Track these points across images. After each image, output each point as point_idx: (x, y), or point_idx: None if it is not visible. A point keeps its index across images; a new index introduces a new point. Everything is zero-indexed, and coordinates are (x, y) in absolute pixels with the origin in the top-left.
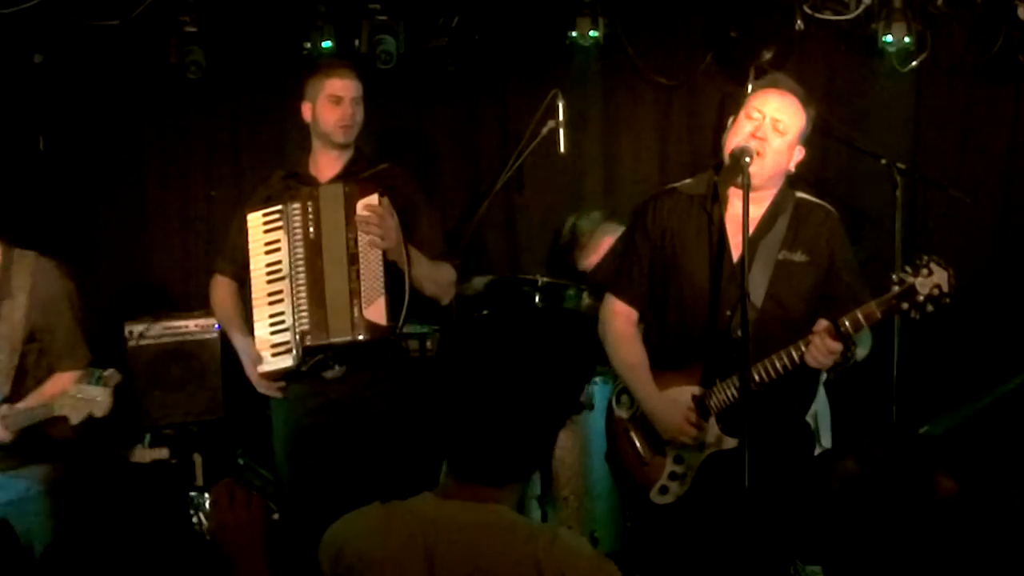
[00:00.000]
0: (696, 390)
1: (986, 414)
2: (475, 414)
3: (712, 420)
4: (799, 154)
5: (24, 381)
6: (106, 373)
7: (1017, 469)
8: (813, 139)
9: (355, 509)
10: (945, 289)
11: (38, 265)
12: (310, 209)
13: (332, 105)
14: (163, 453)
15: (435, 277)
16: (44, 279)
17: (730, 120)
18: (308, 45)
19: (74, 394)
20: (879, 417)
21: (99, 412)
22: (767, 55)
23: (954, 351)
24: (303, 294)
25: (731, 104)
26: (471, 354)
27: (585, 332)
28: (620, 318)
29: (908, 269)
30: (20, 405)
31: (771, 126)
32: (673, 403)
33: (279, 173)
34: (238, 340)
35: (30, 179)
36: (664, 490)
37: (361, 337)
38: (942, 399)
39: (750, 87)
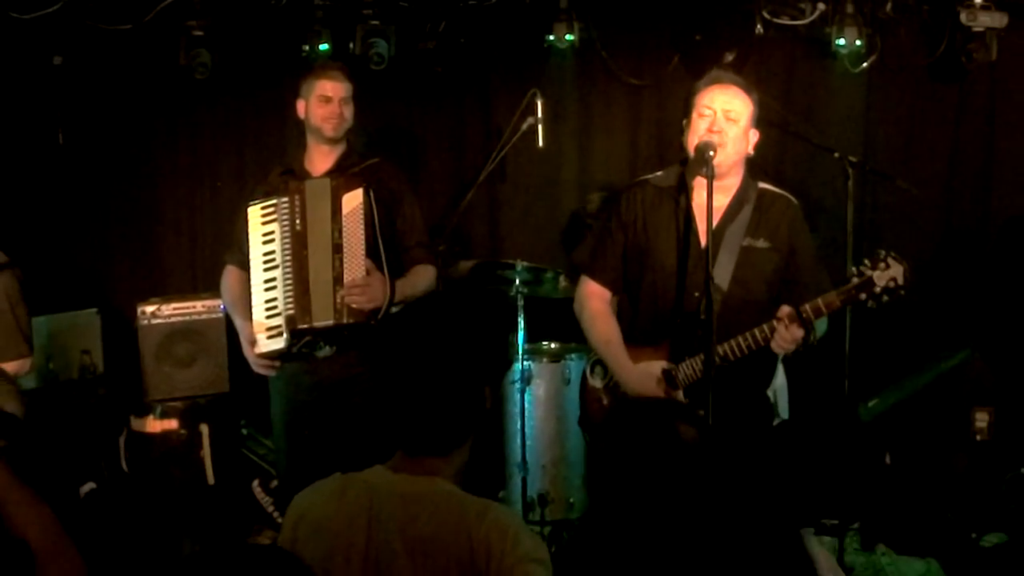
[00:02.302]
0: (666, 365)
1: (930, 388)
2: (407, 395)
3: (679, 393)
4: (755, 136)
5: None
6: None
7: (958, 436)
8: (771, 134)
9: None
10: (900, 282)
11: None
12: (297, 202)
13: (322, 104)
14: (172, 424)
15: (415, 292)
16: None
17: (684, 122)
18: (306, 48)
19: None
20: (833, 391)
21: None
22: (729, 57)
23: (901, 330)
24: (290, 281)
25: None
26: (397, 345)
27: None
28: (594, 298)
29: (867, 262)
30: None
31: (724, 118)
32: (645, 374)
33: (277, 170)
34: (238, 323)
35: (50, 171)
36: None
37: (343, 321)
38: (890, 375)
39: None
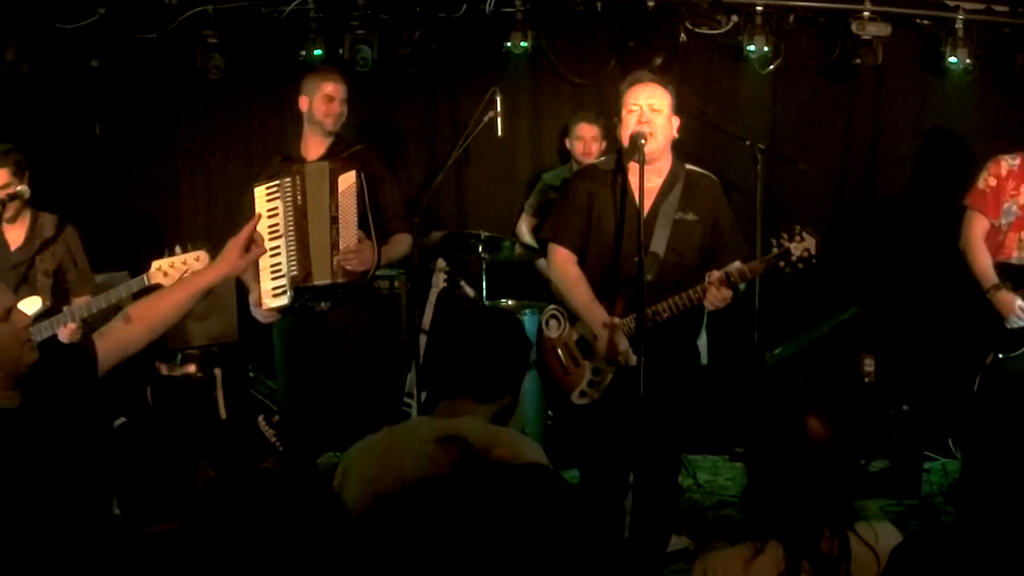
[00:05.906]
0: (615, 319)
1: (825, 339)
2: (461, 347)
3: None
4: (677, 121)
5: (57, 300)
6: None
7: (848, 379)
8: (692, 125)
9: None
10: (813, 252)
11: (59, 222)
12: (298, 181)
13: (326, 101)
14: (191, 368)
15: (396, 256)
16: (66, 231)
17: (615, 119)
18: (303, 53)
19: (165, 267)
20: (744, 341)
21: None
22: (657, 60)
23: (801, 291)
24: (293, 247)
25: None
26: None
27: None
28: (567, 263)
29: (784, 235)
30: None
31: (649, 110)
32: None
33: (277, 158)
34: (249, 285)
35: (89, 156)
36: (583, 394)
37: (338, 280)
38: (792, 328)
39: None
